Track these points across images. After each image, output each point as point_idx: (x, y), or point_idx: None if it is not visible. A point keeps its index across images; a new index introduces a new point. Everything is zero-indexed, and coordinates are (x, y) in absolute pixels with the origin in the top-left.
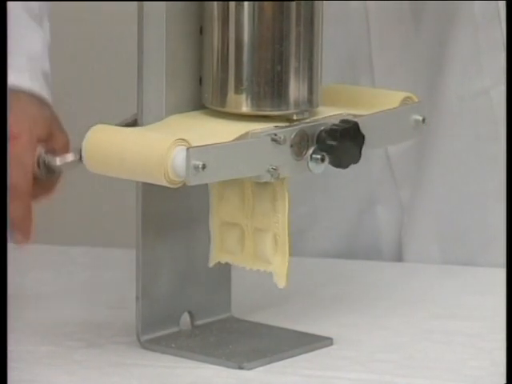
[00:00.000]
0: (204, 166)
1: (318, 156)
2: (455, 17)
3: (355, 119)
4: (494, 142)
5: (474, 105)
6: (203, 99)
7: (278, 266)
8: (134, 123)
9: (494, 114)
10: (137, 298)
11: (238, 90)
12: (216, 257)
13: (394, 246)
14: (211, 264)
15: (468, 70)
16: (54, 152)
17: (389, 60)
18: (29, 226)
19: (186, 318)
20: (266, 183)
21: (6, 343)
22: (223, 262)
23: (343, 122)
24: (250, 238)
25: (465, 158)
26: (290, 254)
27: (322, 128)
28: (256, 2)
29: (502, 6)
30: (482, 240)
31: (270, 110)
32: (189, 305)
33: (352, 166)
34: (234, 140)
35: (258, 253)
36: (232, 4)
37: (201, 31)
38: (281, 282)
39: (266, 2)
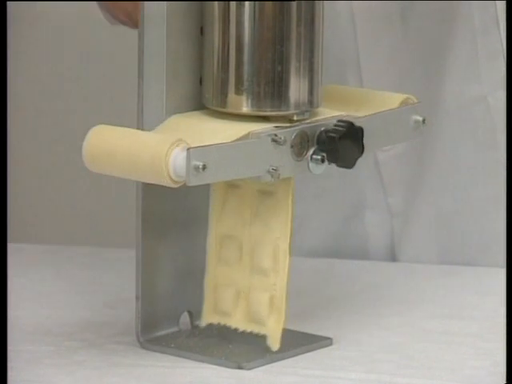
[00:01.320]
0: (204, 167)
1: (319, 157)
2: (453, 23)
3: (355, 120)
4: (492, 148)
5: (471, 111)
6: (203, 99)
7: (271, 328)
8: None
9: (492, 120)
10: (136, 297)
11: (238, 91)
12: (208, 318)
13: (384, 251)
14: (203, 324)
15: (466, 75)
16: None
17: (378, 66)
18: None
19: (185, 317)
20: (267, 241)
21: (6, 343)
22: (215, 322)
23: (343, 122)
24: (245, 299)
25: (462, 164)
26: (286, 317)
27: (323, 129)
28: (257, 2)
29: (501, 11)
30: (479, 246)
31: (271, 111)
32: (188, 304)
33: (342, 171)
34: (234, 140)
35: (252, 314)
36: (233, 4)
37: (201, 31)
38: (274, 345)
39: (266, 3)
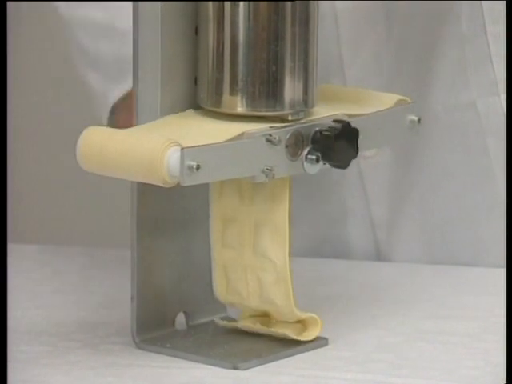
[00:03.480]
0: (198, 167)
1: (313, 156)
2: (440, 27)
3: (350, 119)
4: (481, 154)
5: (460, 117)
6: (198, 99)
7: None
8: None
9: (481, 125)
10: (132, 297)
11: (233, 91)
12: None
13: (371, 257)
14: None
15: (454, 81)
16: None
17: (362, 70)
18: None
19: (181, 318)
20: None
21: (6, 343)
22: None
23: (338, 122)
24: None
25: (451, 171)
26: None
27: (317, 128)
28: (251, 2)
29: (488, 17)
30: (470, 253)
31: (265, 111)
32: (184, 305)
33: (327, 177)
34: (228, 140)
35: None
36: (227, 4)
37: (196, 31)
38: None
39: (261, 2)
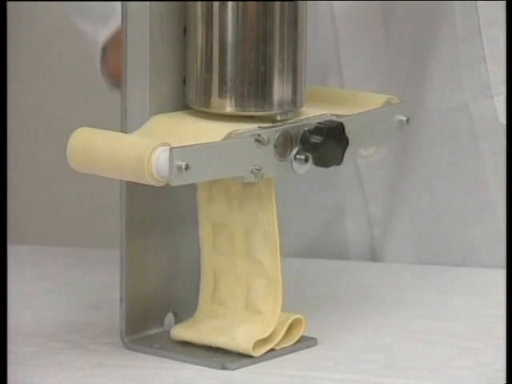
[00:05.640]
0: (187, 167)
1: (302, 156)
2: (435, 30)
3: (339, 119)
4: (473, 155)
5: (453, 118)
6: (187, 100)
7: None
8: None
9: (474, 127)
10: (121, 298)
11: (221, 91)
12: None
13: (364, 256)
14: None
15: (447, 83)
16: None
17: (359, 71)
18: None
19: (170, 318)
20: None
21: (6, 344)
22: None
23: (327, 122)
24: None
25: (443, 172)
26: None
27: (306, 128)
28: (240, 3)
29: (483, 19)
30: (460, 254)
31: (254, 111)
32: (173, 305)
33: (323, 176)
34: (217, 140)
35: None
36: (216, 4)
37: (184, 31)
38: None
39: (249, 3)
